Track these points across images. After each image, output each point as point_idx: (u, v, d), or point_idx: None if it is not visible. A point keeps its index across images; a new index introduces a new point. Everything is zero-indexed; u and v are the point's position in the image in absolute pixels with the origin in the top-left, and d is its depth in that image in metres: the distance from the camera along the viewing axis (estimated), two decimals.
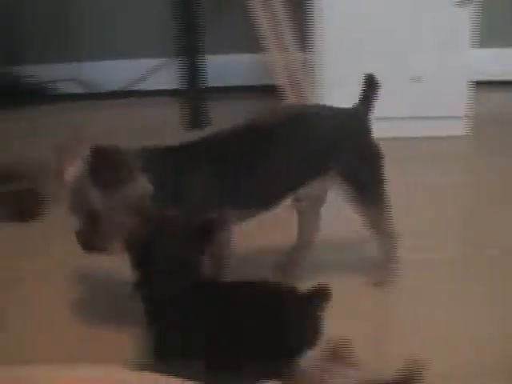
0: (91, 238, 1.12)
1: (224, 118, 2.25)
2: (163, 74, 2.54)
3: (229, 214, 1.17)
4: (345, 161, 1.26)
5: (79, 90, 2.58)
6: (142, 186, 1.10)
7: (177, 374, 0.92)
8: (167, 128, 2.21)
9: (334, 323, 1.02)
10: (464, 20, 1.99)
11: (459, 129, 2.09)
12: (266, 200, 1.23)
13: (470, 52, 2.04)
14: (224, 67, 2.46)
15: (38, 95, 2.54)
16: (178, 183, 1.14)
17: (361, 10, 1.98)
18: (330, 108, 1.31)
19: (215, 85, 2.37)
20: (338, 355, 1.01)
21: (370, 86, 1.29)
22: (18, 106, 2.48)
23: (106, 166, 1.07)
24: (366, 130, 1.30)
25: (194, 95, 2.21)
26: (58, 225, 1.59)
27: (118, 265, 1.14)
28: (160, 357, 0.99)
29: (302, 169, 1.24)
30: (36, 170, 1.75)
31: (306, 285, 1.04)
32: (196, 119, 2.20)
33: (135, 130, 2.23)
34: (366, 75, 1.30)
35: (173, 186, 1.13)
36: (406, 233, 1.36)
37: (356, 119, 1.29)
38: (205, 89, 2.25)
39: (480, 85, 2.21)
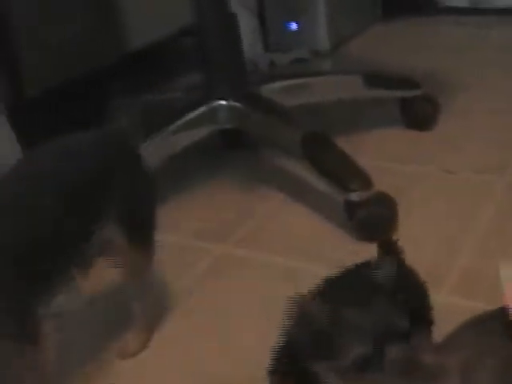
0: None
1: None
2: None
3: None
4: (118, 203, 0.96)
5: (465, 3, 2.52)
6: None
7: None
8: None
9: None
10: None
11: None
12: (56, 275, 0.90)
13: None
14: None
15: (426, 7, 2.53)
16: None
17: None
18: (85, 139, 0.97)
19: None
20: None
21: None
22: (406, 16, 2.50)
23: None
24: (134, 160, 1.01)
25: None
26: (450, 135, 1.60)
27: None
28: None
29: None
30: (426, 78, 1.75)
31: None
32: None
33: None
34: None
35: None
36: None
37: (121, 149, 0.99)
38: None
39: None
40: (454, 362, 0.71)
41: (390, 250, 0.93)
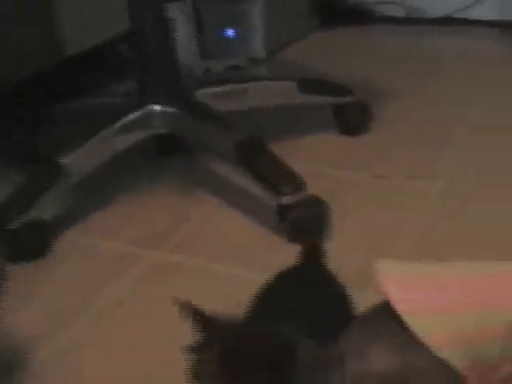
0: None
1: None
2: (488, 3, 2.44)
3: None
4: None
5: (402, 13, 2.56)
6: None
7: None
8: (486, 61, 2.13)
9: None
10: None
11: None
12: None
13: None
14: None
15: (364, 16, 2.57)
16: None
17: None
18: None
19: None
20: None
21: None
22: (344, 25, 2.53)
23: None
24: None
25: None
26: (383, 142, 1.62)
27: None
28: None
29: None
30: (361, 86, 1.77)
31: None
32: None
33: (454, 57, 2.18)
34: None
35: None
36: None
37: None
38: None
39: None
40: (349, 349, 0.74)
41: (312, 253, 0.94)
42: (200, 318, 0.73)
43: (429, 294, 0.74)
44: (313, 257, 0.94)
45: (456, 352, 0.70)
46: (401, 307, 0.72)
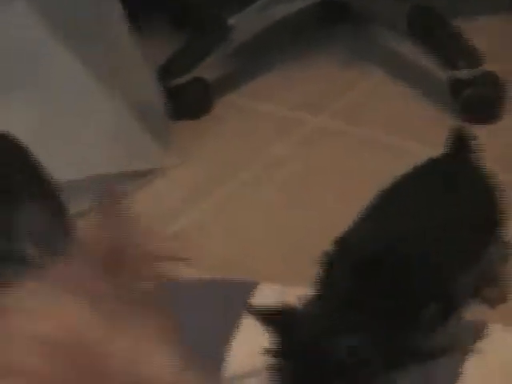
0: None
1: None
2: None
3: None
4: None
5: None
6: None
7: None
8: None
9: None
10: None
11: None
12: None
13: None
14: None
15: None
16: None
17: None
18: None
19: None
20: None
21: None
22: None
23: None
24: None
25: None
26: None
27: None
28: None
29: None
30: None
31: None
32: None
33: None
34: None
35: None
36: None
37: None
38: None
39: None
40: None
41: (461, 143, 0.88)
42: (276, 326, 0.70)
43: None
44: (461, 148, 0.87)
45: None
46: None
